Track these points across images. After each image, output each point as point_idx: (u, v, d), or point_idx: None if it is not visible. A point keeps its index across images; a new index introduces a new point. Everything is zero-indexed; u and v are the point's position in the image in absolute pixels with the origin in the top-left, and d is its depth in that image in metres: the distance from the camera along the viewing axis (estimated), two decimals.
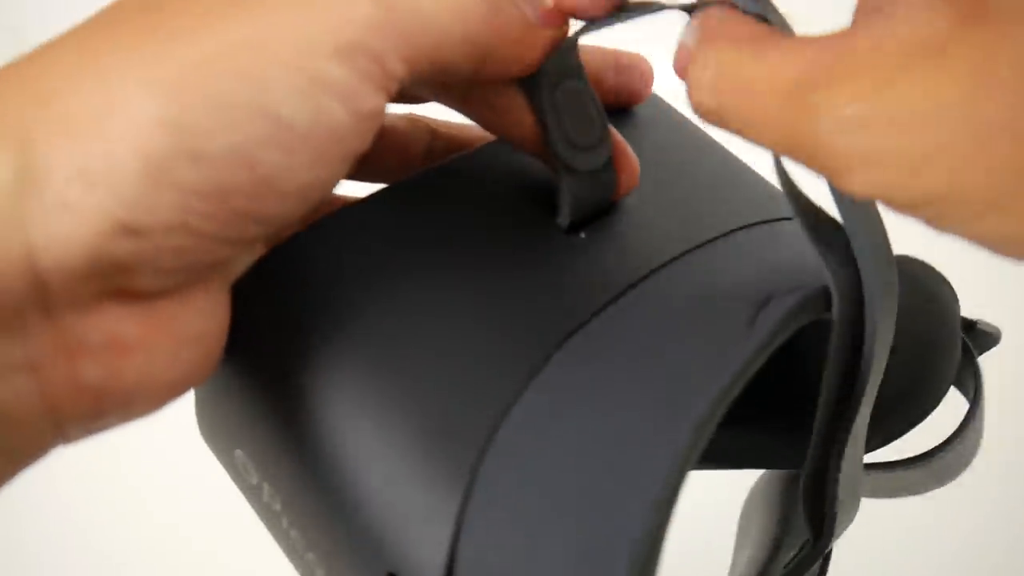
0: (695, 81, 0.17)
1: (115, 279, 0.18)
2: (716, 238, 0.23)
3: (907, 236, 0.20)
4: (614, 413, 0.19)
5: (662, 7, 0.20)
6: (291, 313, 0.22)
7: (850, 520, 0.25)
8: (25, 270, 0.17)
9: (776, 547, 0.26)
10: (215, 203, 0.18)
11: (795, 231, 0.21)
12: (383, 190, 0.23)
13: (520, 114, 0.22)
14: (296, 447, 0.21)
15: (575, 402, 0.19)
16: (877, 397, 0.22)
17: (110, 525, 0.50)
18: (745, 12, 0.17)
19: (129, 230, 0.17)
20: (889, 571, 0.48)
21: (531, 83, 0.22)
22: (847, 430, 0.22)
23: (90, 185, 0.17)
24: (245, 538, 0.26)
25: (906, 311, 0.21)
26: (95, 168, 0.17)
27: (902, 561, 0.49)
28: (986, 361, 0.27)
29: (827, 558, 0.26)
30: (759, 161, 0.23)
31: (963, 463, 0.27)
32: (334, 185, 0.20)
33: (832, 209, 0.20)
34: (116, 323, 0.19)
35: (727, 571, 0.29)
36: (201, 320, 0.20)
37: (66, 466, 0.24)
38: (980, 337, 0.27)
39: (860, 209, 0.19)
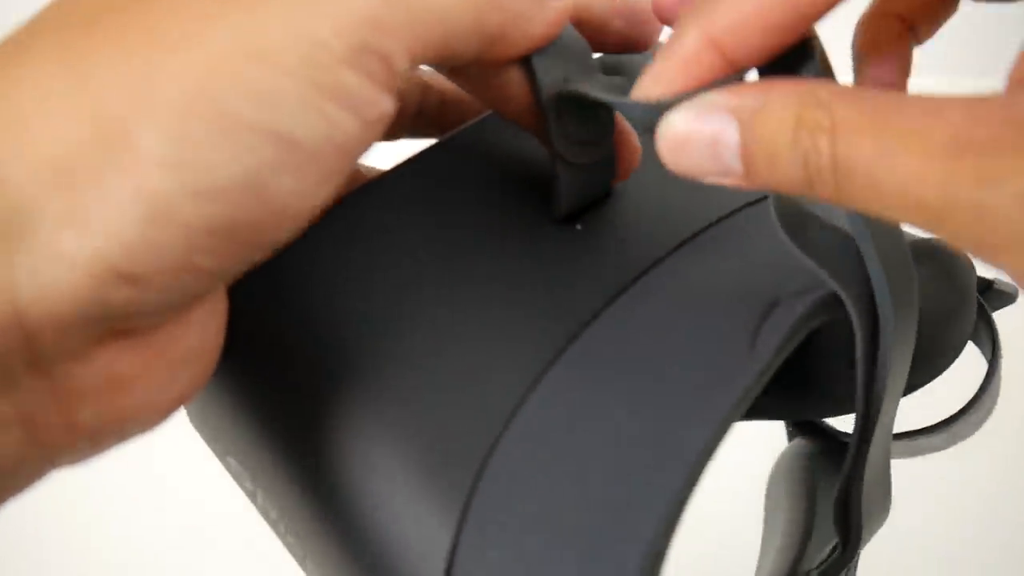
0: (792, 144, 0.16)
1: (111, 324, 0.17)
2: (717, 221, 0.22)
3: None
4: (611, 440, 0.18)
5: None
6: (285, 320, 0.21)
7: (881, 523, 0.24)
8: (11, 326, 0.15)
9: (805, 539, 0.25)
10: (223, 239, 0.16)
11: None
12: (373, 183, 0.22)
13: (518, 92, 0.21)
14: (290, 461, 0.20)
15: (572, 423, 0.18)
16: None
17: (109, 526, 0.50)
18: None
19: (129, 278, 0.16)
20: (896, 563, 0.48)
21: (533, 60, 0.21)
22: (867, 440, 0.21)
23: (86, 232, 0.15)
24: (246, 535, 0.26)
25: (920, 281, 0.21)
26: (91, 214, 0.15)
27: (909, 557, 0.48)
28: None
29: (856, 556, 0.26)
30: None
31: (981, 420, 0.27)
32: (335, 192, 0.19)
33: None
34: (112, 363, 0.17)
35: (753, 558, 0.29)
36: (199, 337, 0.19)
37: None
38: (996, 296, 0.26)
39: (881, 226, 0.19)
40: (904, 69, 0.22)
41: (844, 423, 0.25)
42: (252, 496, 0.23)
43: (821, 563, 0.25)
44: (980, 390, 0.25)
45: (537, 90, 0.21)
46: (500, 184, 0.22)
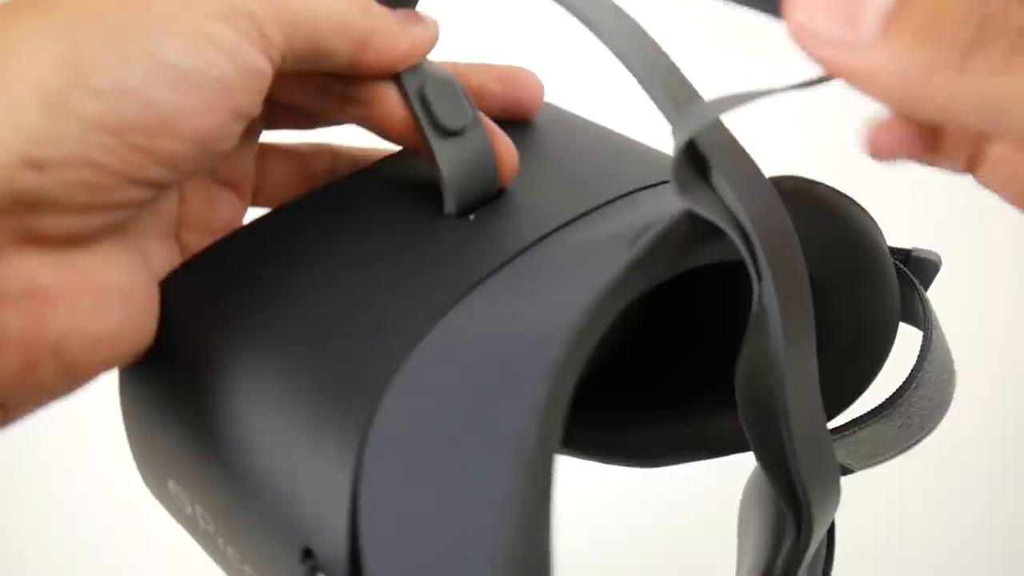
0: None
1: (24, 218, 0.19)
2: (602, 204, 0.24)
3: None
4: (494, 355, 0.19)
5: None
6: (201, 322, 0.23)
7: (834, 503, 0.24)
8: None
9: (776, 546, 0.26)
10: (114, 136, 0.19)
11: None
12: (292, 200, 0.25)
13: (394, 106, 0.24)
14: (210, 448, 0.22)
15: (457, 357, 0.20)
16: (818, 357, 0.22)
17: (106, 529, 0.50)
18: None
19: (33, 163, 0.18)
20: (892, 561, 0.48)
21: (403, 76, 0.25)
22: (784, 410, 0.21)
23: None
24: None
25: (819, 251, 0.21)
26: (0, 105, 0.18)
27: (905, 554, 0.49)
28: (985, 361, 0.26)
29: (832, 541, 0.26)
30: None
31: (938, 405, 0.26)
32: (229, 139, 0.22)
33: None
34: (33, 272, 0.20)
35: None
36: (120, 275, 0.21)
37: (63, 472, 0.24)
38: (920, 266, 0.26)
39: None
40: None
41: None
42: (193, 521, 0.24)
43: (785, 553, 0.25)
44: (918, 361, 0.25)
45: (403, 89, 0.24)
46: (402, 199, 0.25)
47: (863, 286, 0.24)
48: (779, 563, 0.25)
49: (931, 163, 0.21)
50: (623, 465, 0.32)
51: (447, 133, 0.25)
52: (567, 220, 0.24)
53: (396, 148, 0.28)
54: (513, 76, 0.27)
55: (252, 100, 0.21)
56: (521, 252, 0.23)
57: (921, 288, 0.25)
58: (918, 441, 0.26)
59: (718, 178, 0.19)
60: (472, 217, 0.24)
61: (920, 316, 0.25)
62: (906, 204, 0.51)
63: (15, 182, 0.18)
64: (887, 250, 0.24)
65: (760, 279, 0.19)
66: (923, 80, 0.15)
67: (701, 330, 0.31)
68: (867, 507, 0.28)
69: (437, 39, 0.25)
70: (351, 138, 0.28)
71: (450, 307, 0.21)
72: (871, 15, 0.15)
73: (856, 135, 0.20)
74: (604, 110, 0.29)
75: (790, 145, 0.52)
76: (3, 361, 0.20)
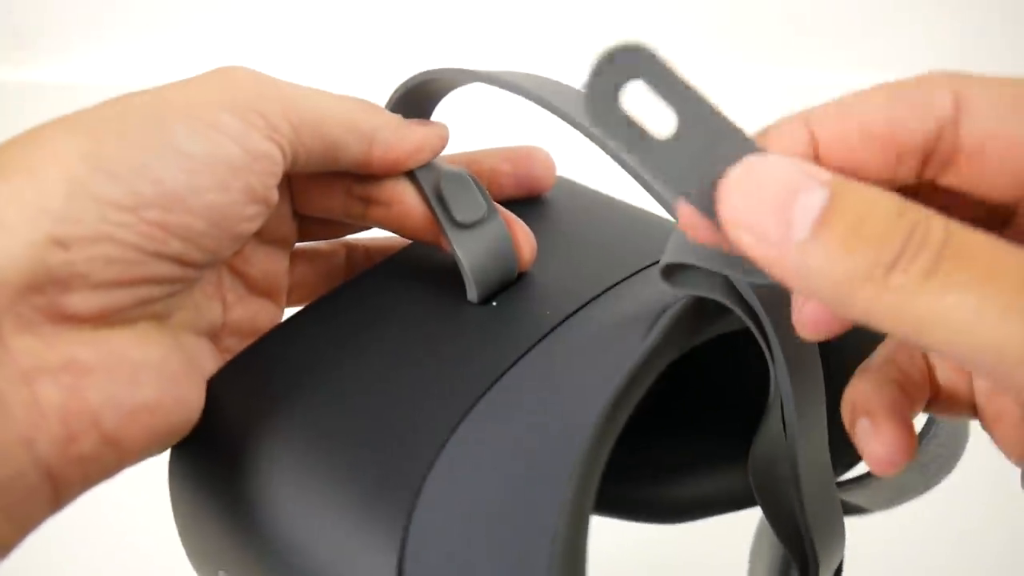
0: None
1: (56, 295, 0.21)
2: (620, 282, 0.25)
3: None
4: (523, 447, 0.21)
5: None
6: (245, 418, 0.24)
7: (839, 555, 0.25)
8: None
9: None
10: (130, 213, 0.21)
11: None
12: (322, 298, 0.27)
13: (412, 204, 0.27)
14: (256, 542, 0.23)
15: (488, 450, 0.21)
16: (829, 413, 0.22)
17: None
18: None
19: (59, 241, 0.20)
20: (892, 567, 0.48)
21: (418, 176, 0.26)
22: (794, 465, 0.22)
23: (22, 206, 0.20)
24: None
25: None
26: (26, 193, 0.20)
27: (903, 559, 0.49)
28: None
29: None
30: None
31: (952, 452, 0.27)
32: (246, 221, 0.23)
33: None
34: (70, 347, 0.21)
35: None
36: (154, 353, 0.23)
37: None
38: None
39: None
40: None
41: None
42: None
43: None
44: (929, 416, 0.26)
45: (420, 187, 0.26)
46: (425, 290, 0.27)
47: (869, 347, 0.25)
48: None
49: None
50: (650, 522, 0.32)
51: (464, 226, 0.26)
52: (586, 301, 0.25)
53: (401, 241, 0.29)
54: (523, 155, 0.29)
55: (263, 182, 0.23)
56: (544, 337, 0.24)
57: None
58: (934, 485, 0.28)
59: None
60: (495, 303, 0.25)
61: None
62: None
63: (45, 260, 0.20)
64: None
65: (775, 362, 0.20)
66: (848, 288, 0.15)
67: (723, 384, 0.32)
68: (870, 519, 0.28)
69: (446, 139, 0.27)
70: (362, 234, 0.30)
71: (479, 397, 0.22)
72: (802, 218, 0.15)
73: None
74: (617, 180, 0.29)
75: None
76: (45, 432, 0.21)
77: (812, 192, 0.15)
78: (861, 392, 0.20)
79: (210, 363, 0.26)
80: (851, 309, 0.15)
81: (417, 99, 0.28)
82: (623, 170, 0.24)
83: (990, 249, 0.15)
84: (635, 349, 0.20)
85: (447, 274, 0.26)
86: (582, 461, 0.19)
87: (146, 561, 0.48)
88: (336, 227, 0.30)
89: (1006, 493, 0.30)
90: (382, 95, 0.28)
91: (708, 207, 0.16)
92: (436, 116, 0.29)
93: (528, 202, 0.29)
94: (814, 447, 0.22)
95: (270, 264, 0.28)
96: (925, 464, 0.26)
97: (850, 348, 0.23)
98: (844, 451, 0.23)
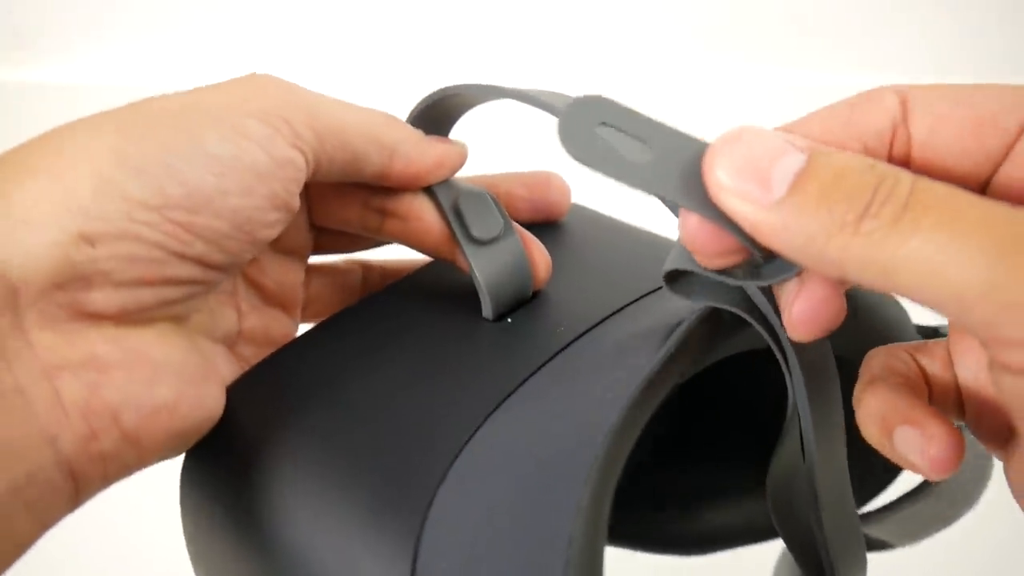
0: None
1: (80, 292, 0.21)
2: (632, 302, 0.25)
3: None
4: (537, 456, 0.21)
5: None
6: (260, 429, 0.24)
7: (862, 570, 0.25)
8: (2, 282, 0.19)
9: None
10: (156, 212, 0.21)
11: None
12: (339, 313, 0.27)
13: (430, 220, 0.27)
14: (266, 554, 0.23)
15: (502, 460, 0.21)
16: (848, 440, 0.22)
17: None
18: None
19: (85, 238, 0.20)
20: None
21: (436, 192, 0.27)
22: (811, 481, 0.22)
23: (50, 202, 0.20)
24: None
25: (850, 338, 0.22)
26: (54, 189, 0.20)
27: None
28: None
29: None
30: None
31: (979, 479, 0.26)
32: (268, 227, 0.24)
33: None
34: (90, 345, 0.21)
35: None
36: (173, 353, 0.23)
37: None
38: None
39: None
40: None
41: None
42: None
43: None
44: None
45: (438, 203, 0.27)
46: (442, 306, 0.27)
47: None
48: None
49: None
50: (674, 554, 0.33)
51: (481, 243, 0.26)
52: (600, 319, 0.25)
53: (417, 261, 0.30)
54: (539, 180, 0.29)
55: (287, 188, 0.24)
56: (558, 353, 0.24)
57: None
58: (961, 515, 0.27)
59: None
60: (510, 320, 0.26)
61: None
62: None
63: (71, 256, 0.20)
64: (915, 333, 0.25)
65: (791, 370, 0.21)
66: (823, 239, 0.16)
67: (744, 414, 0.32)
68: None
69: (465, 157, 0.27)
70: (378, 255, 0.31)
71: (493, 410, 0.22)
72: (780, 177, 0.17)
73: None
74: (631, 205, 0.30)
75: None
76: (67, 428, 0.21)
77: (791, 155, 0.17)
78: (886, 402, 0.20)
79: (226, 368, 0.26)
80: (826, 261, 0.17)
81: (437, 115, 0.28)
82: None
83: (952, 197, 0.16)
84: (650, 360, 0.20)
85: (463, 292, 0.27)
86: (599, 466, 0.19)
87: (151, 566, 0.48)
88: (352, 240, 0.30)
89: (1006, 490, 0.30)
90: (383, 100, 0.28)
91: (698, 199, 0.18)
92: (454, 132, 0.29)
93: (543, 226, 0.30)
94: (832, 462, 0.22)
95: (285, 275, 0.28)
96: (951, 492, 0.26)
97: (857, 364, 0.23)
98: (860, 485, 0.24)
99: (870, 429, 0.20)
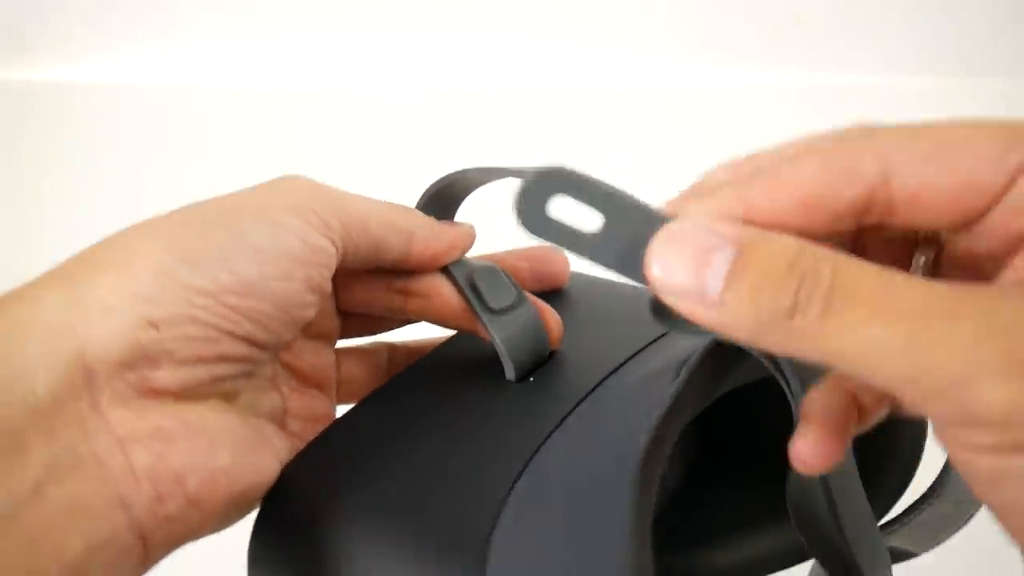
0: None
1: (147, 371, 0.24)
2: (640, 350, 0.28)
3: None
4: (579, 487, 0.23)
5: None
6: (317, 500, 0.26)
7: (887, 569, 0.26)
8: (77, 364, 0.23)
9: None
10: (211, 298, 0.24)
11: None
12: (374, 392, 0.30)
13: (449, 296, 0.30)
14: None
15: (547, 497, 0.23)
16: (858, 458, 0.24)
17: None
18: None
19: (151, 323, 0.23)
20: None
21: (452, 270, 0.29)
22: (826, 490, 0.23)
23: (119, 293, 0.23)
24: None
25: None
26: (121, 281, 0.23)
27: None
28: None
29: None
30: None
31: None
32: (306, 307, 0.27)
33: None
34: (155, 418, 0.24)
35: None
36: (227, 424, 0.26)
37: None
38: None
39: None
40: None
41: None
42: None
43: None
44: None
45: (454, 280, 0.29)
46: (467, 374, 0.30)
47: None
48: None
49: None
50: None
51: (498, 312, 0.29)
52: (614, 368, 0.27)
53: (438, 339, 0.32)
54: (538, 255, 0.32)
55: (320, 273, 0.27)
56: (581, 400, 0.26)
57: None
58: (973, 515, 0.28)
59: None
60: (532, 379, 0.28)
61: None
62: None
63: (139, 339, 0.23)
64: None
65: (794, 396, 0.22)
66: (760, 333, 0.17)
67: (760, 443, 0.33)
68: None
69: (474, 237, 0.30)
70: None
71: (531, 458, 0.25)
72: (713, 275, 0.17)
73: None
74: None
75: None
76: (138, 493, 0.23)
77: (722, 251, 0.18)
78: (809, 398, 0.21)
79: (277, 440, 0.28)
80: (771, 348, 0.18)
81: (444, 199, 0.31)
82: None
83: (877, 283, 0.17)
84: (664, 395, 0.22)
85: (485, 360, 0.29)
86: (633, 482, 0.20)
87: None
88: (376, 323, 0.33)
89: None
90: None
91: (643, 277, 0.19)
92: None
93: (548, 294, 0.32)
94: (841, 468, 0.23)
95: (317, 358, 0.31)
96: (962, 491, 0.27)
97: None
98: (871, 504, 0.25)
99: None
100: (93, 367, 0.23)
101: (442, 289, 0.30)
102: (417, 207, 0.31)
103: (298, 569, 0.26)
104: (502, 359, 0.28)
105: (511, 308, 0.29)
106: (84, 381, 0.23)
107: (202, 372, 0.25)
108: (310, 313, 0.27)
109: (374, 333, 0.34)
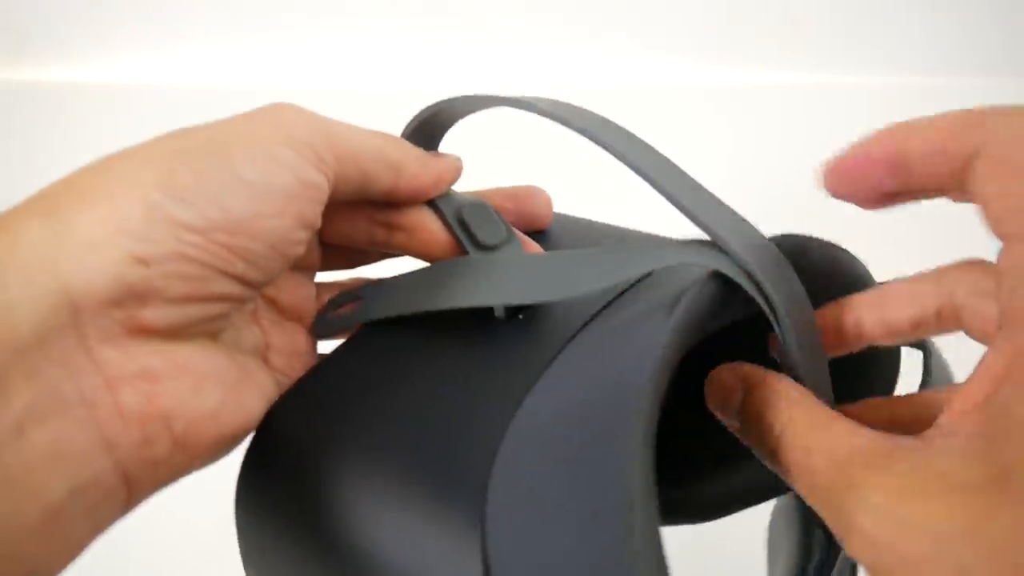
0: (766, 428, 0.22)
1: (135, 310, 0.23)
2: (628, 288, 0.27)
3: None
4: (582, 414, 0.22)
5: None
6: (309, 439, 0.26)
7: None
8: (63, 301, 0.22)
9: (807, 556, 0.28)
10: (201, 235, 0.23)
11: (687, 269, 0.26)
12: (357, 331, 0.29)
13: (436, 231, 0.29)
14: (329, 554, 0.24)
15: (550, 423, 0.23)
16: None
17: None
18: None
19: (139, 259, 0.22)
20: None
21: (439, 204, 0.29)
22: None
23: (106, 227, 0.22)
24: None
25: (823, 294, 0.25)
26: (108, 216, 0.22)
27: None
28: None
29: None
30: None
31: None
32: (296, 244, 0.26)
33: None
34: (144, 358, 0.23)
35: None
36: (214, 365, 0.25)
37: None
38: None
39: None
40: None
41: None
42: None
43: (816, 561, 0.28)
44: (923, 377, 0.28)
45: (442, 215, 0.29)
46: (458, 310, 0.28)
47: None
48: (810, 570, 0.28)
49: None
50: (677, 524, 0.34)
51: (488, 248, 0.28)
52: (603, 306, 0.27)
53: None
54: (523, 193, 0.32)
55: (312, 209, 0.26)
56: (572, 338, 0.26)
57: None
58: None
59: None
60: (521, 317, 0.27)
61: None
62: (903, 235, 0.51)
63: (126, 276, 0.22)
64: (875, 283, 0.28)
65: (780, 324, 0.23)
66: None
67: None
68: None
69: (461, 170, 0.30)
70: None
71: (528, 390, 0.24)
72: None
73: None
74: (607, 208, 0.32)
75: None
76: (124, 435, 0.23)
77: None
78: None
79: (262, 375, 0.27)
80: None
81: (430, 129, 0.30)
82: (630, 179, 0.26)
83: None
84: (659, 327, 0.22)
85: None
86: (643, 417, 0.20)
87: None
88: (358, 256, 0.32)
89: None
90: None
91: None
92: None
93: (534, 234, 0.32)
94: (818, 386, 0.24)
95: (297, 290, 0.30)
96: None
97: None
98: None
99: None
100: (79, 304, 0.22)
101: (428, 223, 0.29)
102: (403, 136, 0.30)
103: (289, 512, 0.25)
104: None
105: (500, 245, 0.28)
106: (70, 319, 0.22)
107: (192, 311, 0.24)
108: (301, 250, 0.26)
109: (355, 267, 0.33)
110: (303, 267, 0.30)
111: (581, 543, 0.19)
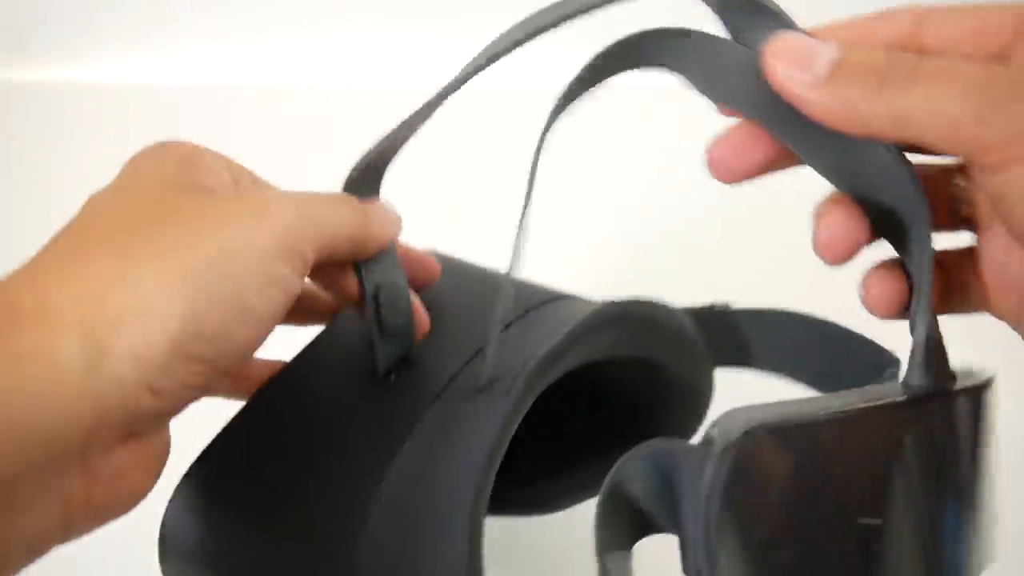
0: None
1: (132, 426, 0.25)
2: (477, 352, 0.31)
3: None
4: (427, 499, 0.27)
5: None
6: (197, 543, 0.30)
7: None
8: (87, 430, 0.23)
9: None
10: (209, 365, 0.25)
11: (546, 313, 0.33)
12: (249, 400, 0.32)
13: (354, 289, 0.31)
14: None
15: (412, 494, 0.28)
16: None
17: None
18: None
19: (154, 391, 0.24)
20: None
21: (363, 272, 0.31)
22: None
23: (137, 364, 0.23)
24: None
25: (653, 345, 0.33)
26: (141, 352, 0.23)
27: None
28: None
29: None
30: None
31: None
32: (268, 334, 0.28)
33: None
34: (121, 458, 0.25)
35: None
36: (165, 441, 0.27)
37: None
38: (733, 317, 0.39)
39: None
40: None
41: None
42: None
43: None
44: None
45: (361, 284, 0.31)
46: (344, 365, 0.33)
47: (685, 362, 0.36)
48: None
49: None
50: (522, 515, 0.41)
51: (388, 333, 0.31)
52: (464, 362, 0.31)
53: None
54: (415, 258, 0.34)
55: (286, 311, 0.27)
56: (437, 397, 0.30)
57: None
58: None
59: None
60: (393, 377, 0.31)
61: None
62: None
63: (141, 404, 0.24)
64: (693, 335, 0.35)
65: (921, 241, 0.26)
66: (854, 106, 0.24)
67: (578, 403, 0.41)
68: None
69: (401, 227, 0.32)
70: None
71: (389, 462, 0.28)
72: (822, 64, 0.24)
73: None
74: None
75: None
76: (84, 523, 0.25)
77: (830, 49, 0.24)
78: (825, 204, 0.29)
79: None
80: (857, 122, 0.24)
81: (374, 171, 0.31)
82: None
83: (946, 64, 0.23)
84: (503, 402, 0.27)
85: (353, 353, 0.32)
86: (474, 486, 0.26)
87: None
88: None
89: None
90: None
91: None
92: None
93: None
94: None
95: None
96: None
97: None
98: None
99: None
100: (98, 431, 0.23)
101: (352, 290, 0.31)
102: (345, 185, 0.30)
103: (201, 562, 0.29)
104: (376, 364, 0.31)
105: (400, 330, 0.31)
106: (89, 439, 0.23)
107: (173, 415, 0.26)
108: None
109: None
110: None
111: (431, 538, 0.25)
